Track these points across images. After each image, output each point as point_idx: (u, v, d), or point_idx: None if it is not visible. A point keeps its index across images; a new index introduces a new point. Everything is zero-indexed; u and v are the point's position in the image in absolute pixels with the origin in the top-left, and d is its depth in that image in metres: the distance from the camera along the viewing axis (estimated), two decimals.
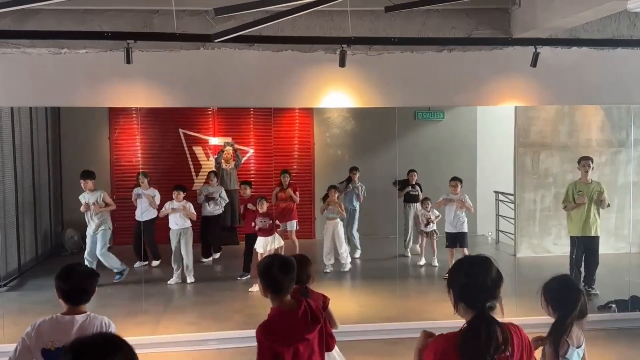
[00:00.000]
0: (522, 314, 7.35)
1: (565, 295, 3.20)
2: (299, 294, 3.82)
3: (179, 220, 9.19)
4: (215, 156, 11.53)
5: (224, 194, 10.61)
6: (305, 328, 3.22)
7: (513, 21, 7.01)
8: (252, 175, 12.10)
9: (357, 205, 10.68)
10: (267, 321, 3.24)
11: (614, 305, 7.53)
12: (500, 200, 11.61)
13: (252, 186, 9.94)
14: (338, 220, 9.79)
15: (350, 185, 10.67)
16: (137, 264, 9.75)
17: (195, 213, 9.35)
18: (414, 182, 10.66)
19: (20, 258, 9.50)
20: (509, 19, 7.04)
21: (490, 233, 12.02)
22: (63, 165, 11.38)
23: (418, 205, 10.51)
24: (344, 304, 8.05)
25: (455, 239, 9.30)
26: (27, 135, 10.05)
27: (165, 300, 8.34)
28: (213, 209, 10.44)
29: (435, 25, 6.88)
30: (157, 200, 9.76)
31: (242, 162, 11.71)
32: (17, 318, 7.30)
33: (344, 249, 9.82)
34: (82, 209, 8.92)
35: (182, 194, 9.27)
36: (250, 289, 8.39)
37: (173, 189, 9.41)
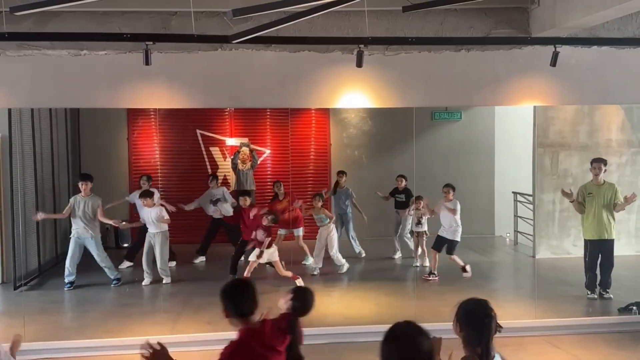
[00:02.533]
0: (540, 315, 7.30)
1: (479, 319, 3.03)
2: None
3: (152, 224, 9.06)
4: (232, 157, 11.57)
5: (227, 195, 10.65)
6: (276, 340, 3.26)
7: (532, 20, 6.94)
8: (269, 176, 12.12)
9: (348, 208, 10.59)
10: (237, 342, 3.22)
11: (635, 308, 7.43)
12: (519, 201, 11.52)
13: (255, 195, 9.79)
14: (331, 226, 9.68)
15: (337, 189, 10.62)
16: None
17: (169, 218, 9.08)
18: (401, 189, 10.41)
19: (40, 258, 9.61)
20: (528, 18, 6.97)
21: (508, 234, 11.93)
22: (82, 166, 11.49)
23: (406, 211, 10.31)
24: (351, 304, 8.06)
25: (443, 244, 9.20)
26: (47, 136, 10.17)
27: (183, 299, 8.39)
28: (227, 211, 10.47)
29: (453, 24, 6.84)
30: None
31: (259, 162, 11.74)
32: (37, 317, 7.39)
33: (335, 251, 9.64)
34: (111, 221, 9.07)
35: (149, 200, 9.06)
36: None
37: (139, 196, 9.26)
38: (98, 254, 8.89)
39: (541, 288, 8.04)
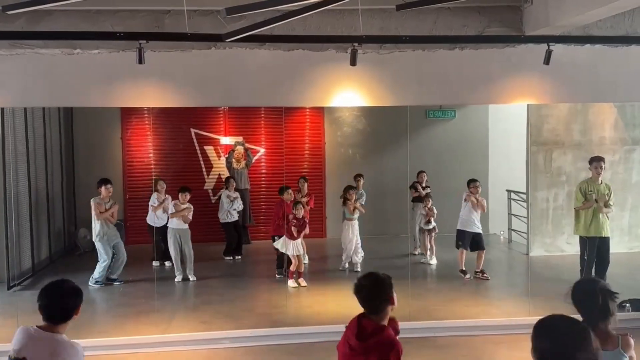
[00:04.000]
0: (535, 313, 7.31)
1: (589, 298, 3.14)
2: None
3: (180, 221, 9.27)
4: (226, 156, 11.56)
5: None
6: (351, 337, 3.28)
7: (525, 18, 6.95)
8: (263, 175, 12.12)
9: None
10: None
11: (628, 305, 7.45)
12: (513, 199, 11.56)
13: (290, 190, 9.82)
14: (356, 220, 9.79)
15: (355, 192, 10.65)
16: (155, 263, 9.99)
17: (190, 218, 9.35)
18: (424, 184, 10.58)
19: (34, 257, 9.57)
20: (521, 17, 6.98)
21: (502, 232, 11.97)
22: (76, 165, 11.46)
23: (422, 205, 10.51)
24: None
25: (477, 240, 9.16)
26: (40, 135, 10.13)
27: (177, 299, 8.38)
28: (238, 210, 10.63)
29: (447, 23, 6.84)
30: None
31: (253, 161, 11.73)
32: (30, 317, 7.27)
33: (360, 249, 9.82)
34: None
35: (188, 196, 9.34)
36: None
37: (179, 190, 9.44)
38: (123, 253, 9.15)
39: (535, 285, 8.07)
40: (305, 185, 10.28)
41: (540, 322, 2.29)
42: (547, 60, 6.48)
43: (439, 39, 6.85)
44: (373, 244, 11.00)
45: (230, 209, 10.54)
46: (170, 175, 11.56)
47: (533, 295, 7.76)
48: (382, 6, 6.61)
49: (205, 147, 12.15)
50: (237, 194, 10.70)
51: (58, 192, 10.91)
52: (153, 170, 11.26)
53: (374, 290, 3.34)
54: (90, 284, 8.89)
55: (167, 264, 9.98)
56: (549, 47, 6.42)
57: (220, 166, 11.96)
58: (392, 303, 3.33)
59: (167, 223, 9.58)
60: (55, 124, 10.90)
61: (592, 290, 3.15)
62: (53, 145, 10.71)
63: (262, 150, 12.30)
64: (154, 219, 9.92)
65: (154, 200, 9.93)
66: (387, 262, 10.39)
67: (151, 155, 11.58)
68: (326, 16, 6.48)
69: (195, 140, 12.09)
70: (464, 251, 9.17)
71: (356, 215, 9.78)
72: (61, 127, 11.15)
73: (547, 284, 8.60)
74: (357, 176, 10.66)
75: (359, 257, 9.78)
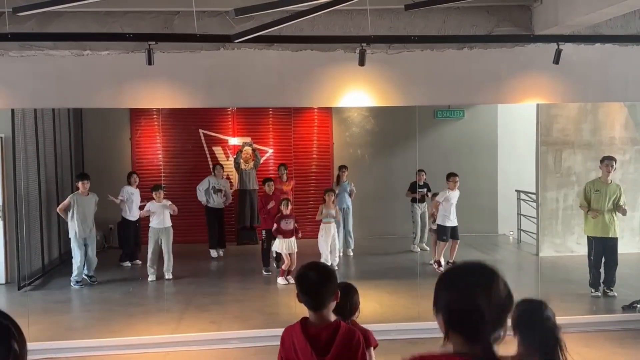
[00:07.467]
0: None
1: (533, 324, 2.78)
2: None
3: (162, 219, 9.28)
4: (234, 156, 11.58)
5: (229, 190, 10.85)
6: (306, 355, 2.82)
7: (534, 18, 6.93)
8: (271, 176, 12.12)
9: (349, 203, 10.68)
10: (292, 326, 2.94)
11: (639, 305, 7.41)
12: (522, 199, 11.50)
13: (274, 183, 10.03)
14: (334, 223, 9.74)
15: (339, 184, 10.67)
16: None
17: (177, 208, 9.43)
18: (422, 183, 10.60)
19: (44, 258, 9.62)
20: (531, 16, 6.96)
21: (511, 232, 11.91)
22: (85, 166, 11.50)
23: (424, 205, 10.61)
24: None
25: (454, 232, 9.38)
26: (50, 136, 10.18)
27: (186, 298, 8.40)
28: (221, 202, 10.70)
29: (456, 22, 6.83)
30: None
31: (261, 162, 11.74)
32: (41, 317, 7.41)
33: (336, 252, 9.80)
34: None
35: (162, 193, 9.37)
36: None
37: (152, 189, 9.46)
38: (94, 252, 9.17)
39: (545, 286, 8.02)
40: (285, 172, 10.43)
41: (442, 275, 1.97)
42: (556, 60, 6.45)
43: (447, 38, 6.83)
44: (381, 243, 10.99)
45: (211, 196, 10.56)
46: (179, 176, 11.60)
47: (542, 295, 7.69)
48: (390, 6, 6.61)
49: (214, 148, 12.16)
50: (222, 186, 10.72)
51: (68, 193, 10.90)
52: (162, 170, 11.29)
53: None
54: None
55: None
56: (558, 47, 6.40)
57: (228, 167, 11.98)
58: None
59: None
60: (65, 125, 10.95)
61: (539, 316, 2.88)
62: (63, 146, 10.76)
63: (270, 151, 12.31)
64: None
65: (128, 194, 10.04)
66: (395, 262, 10.39)
67: (160, 155, 11.61)
68: (334, 16, 6.48)
69: (203, 141, 12.11)
70: (445, 244, 9.38)
71: (331, 218, 9.68)
72: (71, 128, 11.20)
73: (557, 285, 8.57)
74: (342, 167, 10.78)
75: (336, 259, 9.74)
